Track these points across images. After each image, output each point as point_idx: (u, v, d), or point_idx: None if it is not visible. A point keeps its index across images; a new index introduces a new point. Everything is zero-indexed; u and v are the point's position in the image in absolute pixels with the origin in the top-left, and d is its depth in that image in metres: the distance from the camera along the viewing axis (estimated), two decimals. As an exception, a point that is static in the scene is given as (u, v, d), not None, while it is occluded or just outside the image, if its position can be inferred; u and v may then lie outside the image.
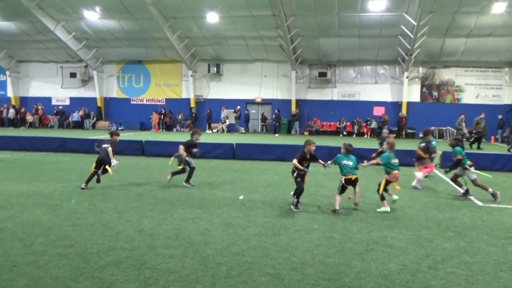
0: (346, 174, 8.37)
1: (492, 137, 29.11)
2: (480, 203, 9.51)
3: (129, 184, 10.72)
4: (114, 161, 10.18)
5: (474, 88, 32.54)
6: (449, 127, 31.20)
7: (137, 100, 37.36)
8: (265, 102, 35.49)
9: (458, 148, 10.28)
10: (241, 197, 9.37)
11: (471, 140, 24.24)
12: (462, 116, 26.04)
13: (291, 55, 32.26)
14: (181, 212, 7.97)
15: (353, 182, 8.41)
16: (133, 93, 37.34)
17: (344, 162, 8.46)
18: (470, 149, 21.10)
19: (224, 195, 9.59)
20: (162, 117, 35.80)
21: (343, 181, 8.38)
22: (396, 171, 8.63)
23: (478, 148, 22.91)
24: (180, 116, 35.73)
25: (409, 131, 32.68)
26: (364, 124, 33.37)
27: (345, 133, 33.26)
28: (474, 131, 23.99)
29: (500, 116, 30.07)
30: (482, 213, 8.61)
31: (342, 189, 8.42)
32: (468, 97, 32.62)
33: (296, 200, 8.32)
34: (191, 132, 10.94)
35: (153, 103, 37.04)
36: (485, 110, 30.88)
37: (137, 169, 13.34)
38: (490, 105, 31.94)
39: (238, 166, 14.69)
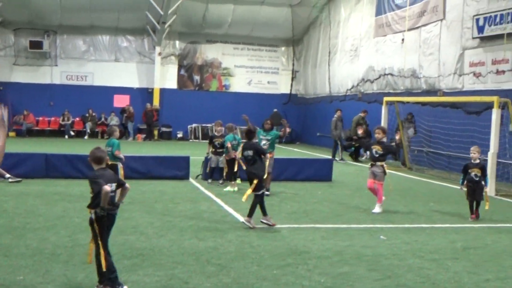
0: None
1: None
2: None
3: None
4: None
5: (246, 72, 36.01)
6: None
7: None
8: None
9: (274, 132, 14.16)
10: None
11: (352, 149, 24.26)
12: (339, 113, 25.12)
13: (-16, 12, 30.21)
14: None
15: None
16: None
17: None
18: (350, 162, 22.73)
19: None
20: None
21: None
22: None
23: (356, 159, 23.75)
24: None
25: (164, 129, 34.25)
26: (99, 120, 33.48)
27: (72, 133, 32.71)
28: (354, 137, 23.68)
29: (275, 110, 33.68)
30: (253, 237, 9.49)
31: None
32: (239, 84, 35.89)
33: None
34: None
35: None
36: (259, 101, 34.36)
37: None
38: (266, 95, 35.80)
39: None
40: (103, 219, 6.46)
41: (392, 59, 25.29)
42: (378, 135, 12.63)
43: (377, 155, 12.34)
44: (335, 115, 24.93)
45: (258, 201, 10.25)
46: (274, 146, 14.16)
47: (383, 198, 12.39)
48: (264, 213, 10.33)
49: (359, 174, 19.81)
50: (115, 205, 6.62)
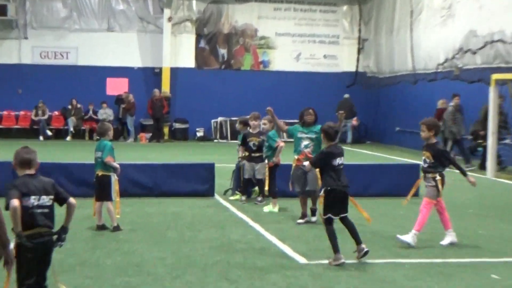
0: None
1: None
2: (303, 260, 10.42)
3: None
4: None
5: (292, 43, 35.94)
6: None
7: None
8: None
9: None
10: None
11: (480, 150, 23.60)
12: (456, 100, 24.90)
13: None
14: None
15: None
16: None
17: None
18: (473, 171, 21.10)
19: None
20: None
21: None
22: None
23: (482, 166, 22.55)
24: None
25: (178, 125, 34.54)
26: (86, 114, 33.92)
27: (49, 132, 32.97)
28: (481, 132, 23.11)
29: (346, 96, 33.38)
30: (306, 277, 9.43)
31: None
32: (282, 59, 35.83)
33: None
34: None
35: None
36: (312, 83, 34.19)
37: None
38: (321, 74, 35.73)
39: None
40: (21, 248, 6.27)
41: (503, 19, 24.91)
42: (423, 133, 11.73)
43: (425, 165, 11.72)
44: (451, 103, 24.63)
45: None
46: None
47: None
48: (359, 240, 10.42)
49: (462, 186, 18.76)
50: (49, 227, 6.44)
